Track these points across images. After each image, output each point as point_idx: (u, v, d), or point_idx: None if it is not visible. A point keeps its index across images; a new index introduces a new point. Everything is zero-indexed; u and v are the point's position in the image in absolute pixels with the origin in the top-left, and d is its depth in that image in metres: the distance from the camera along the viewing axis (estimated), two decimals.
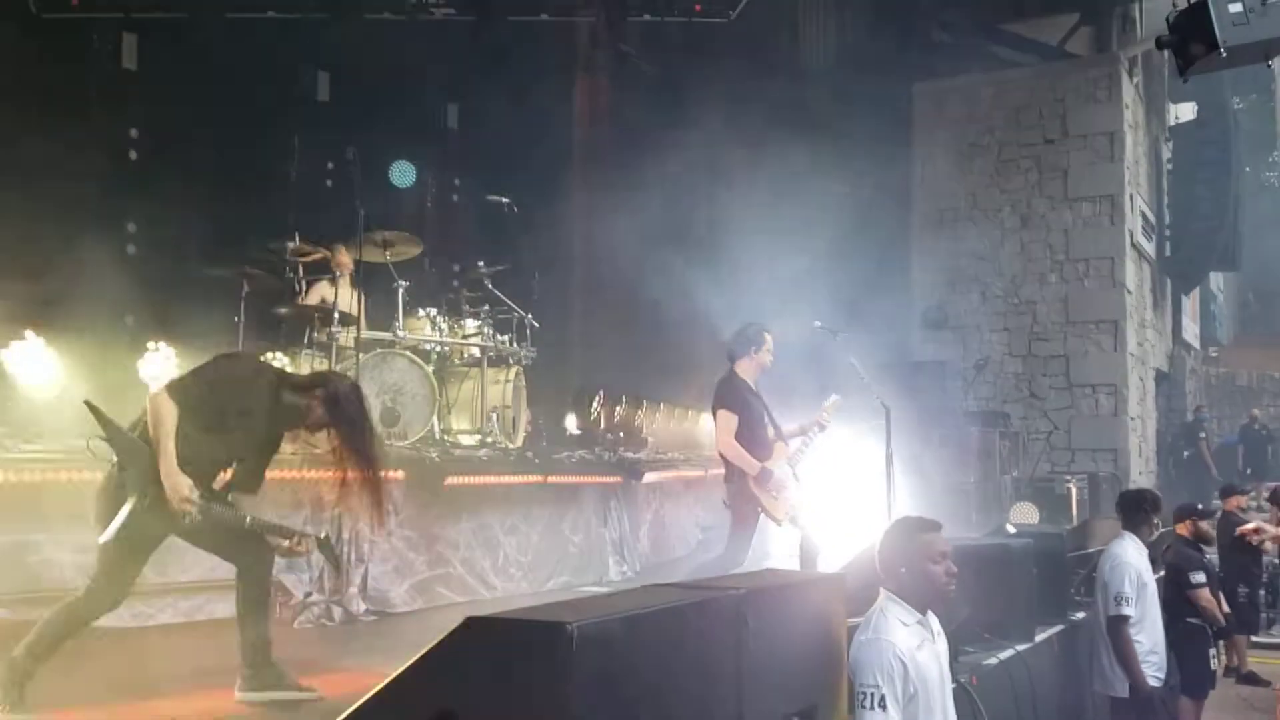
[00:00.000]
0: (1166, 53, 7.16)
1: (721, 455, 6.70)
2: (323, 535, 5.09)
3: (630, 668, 2.55)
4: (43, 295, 8.40)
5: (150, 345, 7.24)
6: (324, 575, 6.99)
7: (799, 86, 15.39)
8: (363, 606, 7.11)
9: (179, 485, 4.63)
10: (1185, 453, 18.01)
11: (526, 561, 8.52)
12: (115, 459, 4.69)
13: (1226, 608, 7.90)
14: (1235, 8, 7.34)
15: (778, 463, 6.67)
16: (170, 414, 4.59)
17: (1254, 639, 9.68)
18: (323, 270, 8.77)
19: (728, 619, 3.04)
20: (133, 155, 10.55)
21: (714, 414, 6.74)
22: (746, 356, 6.80)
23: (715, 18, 10.63)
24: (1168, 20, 7.33)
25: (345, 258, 8.66)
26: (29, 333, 6.83)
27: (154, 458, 4.60)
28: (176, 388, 4.67)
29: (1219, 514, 9.24)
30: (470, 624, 2.46)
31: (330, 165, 11.57)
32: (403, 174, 10.78)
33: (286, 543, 4.91)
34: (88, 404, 4.59)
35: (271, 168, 9.92)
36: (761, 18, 11.70)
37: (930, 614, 3.82)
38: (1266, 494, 10.89)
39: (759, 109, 14.41)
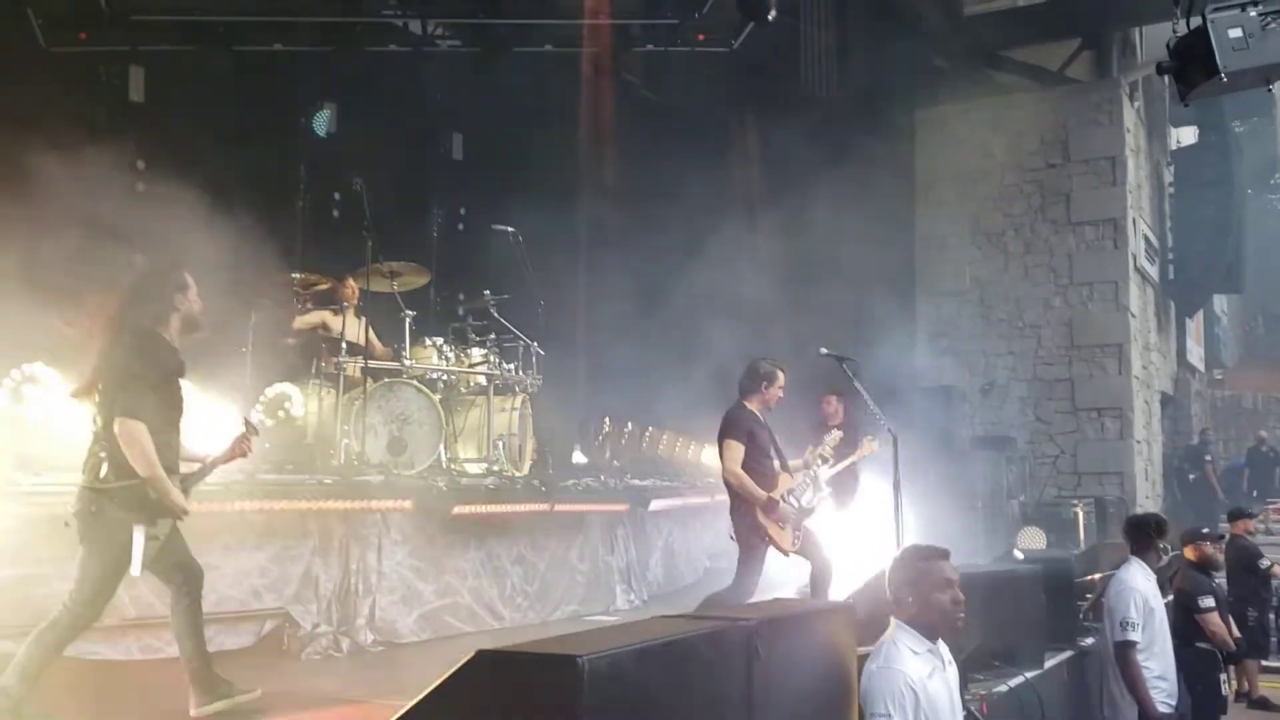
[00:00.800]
0: (1167, 77, 7.20)
1: (727, 485, 6.71)
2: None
3: (641, 700, 2.55)
4: (50, 326, 8.43)
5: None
6: (331, 607, 6.98)
7: (801, 114, 15.46)
8: (370, 637, 7.10)
9: (179, 501, 4.74)
10: (1191, 476, 17.97)
11: (534, 591, 8.51)
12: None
13: (1236, 632, 7.87)
14: (1235, 33, 7.39)
15: (782, 493, 6.68)
16: (145, 434, 4.60)
17: (1265, 663, 9.64)
18: (329, 301, 8.82)
19: (738, 650, 3.05)
20: (139, 186, 10.59)
21: (720, 443, 6.76)
22: (757, 392, 6.84)
23: (718, 47, 10.69)
24: (1168, 46, 7.37)
25: (351, 288, 8.70)
26: (38, 364, 6.85)
27: (142, 486, 4.61)
28: (132, 406, 4.60)
29: (1226, 537, 9.22)
30: (480, 657, 2.46)
31: (337, 196, 11.63)
32: (322, 121, 10.52)
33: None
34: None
35: (278, 199, 9.97)
36: (763, 46, 11.76)
37: (941, 642, 3.82)
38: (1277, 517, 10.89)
39: (761, 136, 14.50)
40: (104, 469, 4.62)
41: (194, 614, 5.01)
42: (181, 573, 5.00)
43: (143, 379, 4.71)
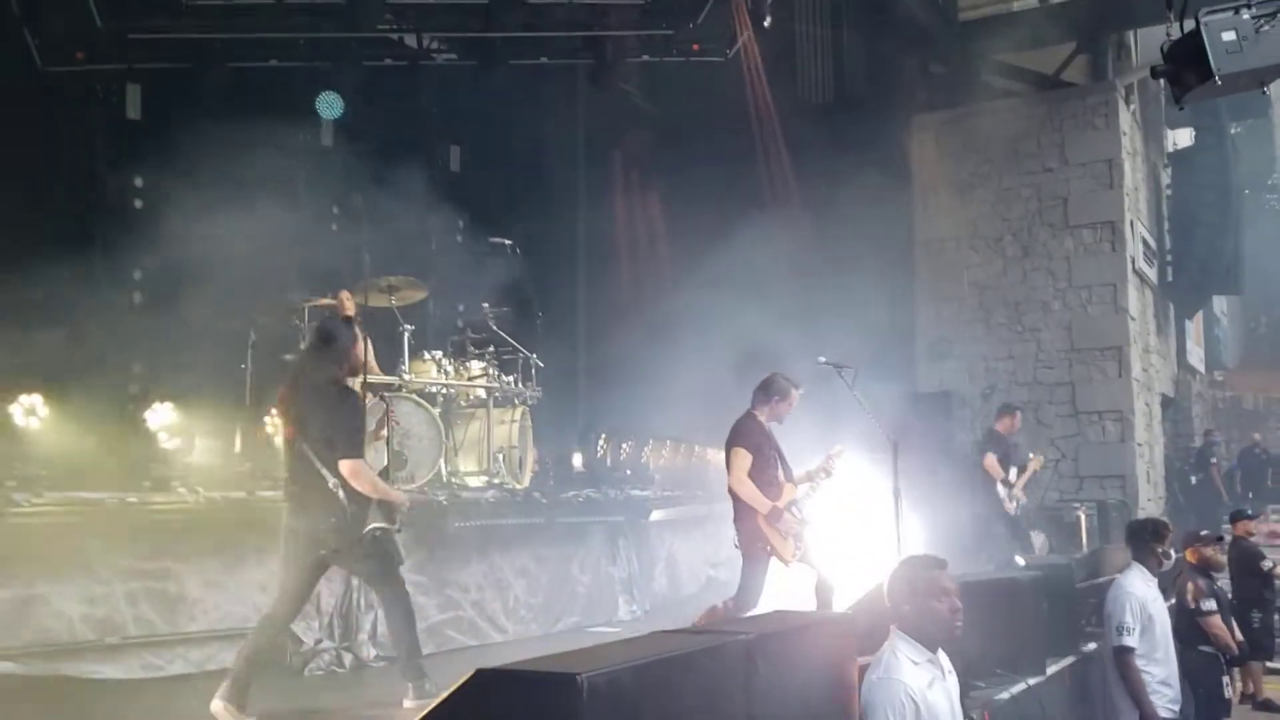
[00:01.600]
0: (1162, 80, 7.22)
1: (733, 494, 6.74)
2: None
3: (641, 717, 2.55)
4: (49, 346, 8.44)
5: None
6: (334, 622, 6.99)
7: (798, 121, 15.50)
8: (373, 652, 7.10)
9: (400, 497, 5.84)
10: (1193, 478, 17.94)
11: (537, 603, 8.52)
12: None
13: (1239, 634, 7.86)
14: (1229, 36, 7.40)
15: (786, 503, 6.70)
16: (367, 467, 5.53)
17: (1269, 665, 9.61)
18: None
19: (737, 664, 3.06)
20: (138, 204, 10.62)
21: (728, 452, 6.81)
22: (768, 405, 6.90)
23: (713, 56, 10.70)
24: (1162, 49, 7.38)
25: (349, 304, 8.70)
26: (37, 384, 6.86)
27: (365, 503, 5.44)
28: (353, 448, 5.45)
29: (1227, 539, 9.21)
30: (480, 675, 2.47)
31: (335, 210, 11.65)
32: (329, 106, 10.50)
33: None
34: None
35: (276, 214, 9.97)
36: (759, 55, 11.79)
37: (940, 651, 3.83)
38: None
39: (758, 144, 14.51)
40: (341, 494, 5.37)
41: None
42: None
43: (358, 427, 5.57)
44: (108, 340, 8.75)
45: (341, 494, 5.34)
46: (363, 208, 8.96)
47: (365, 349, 8.52)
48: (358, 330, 8.42)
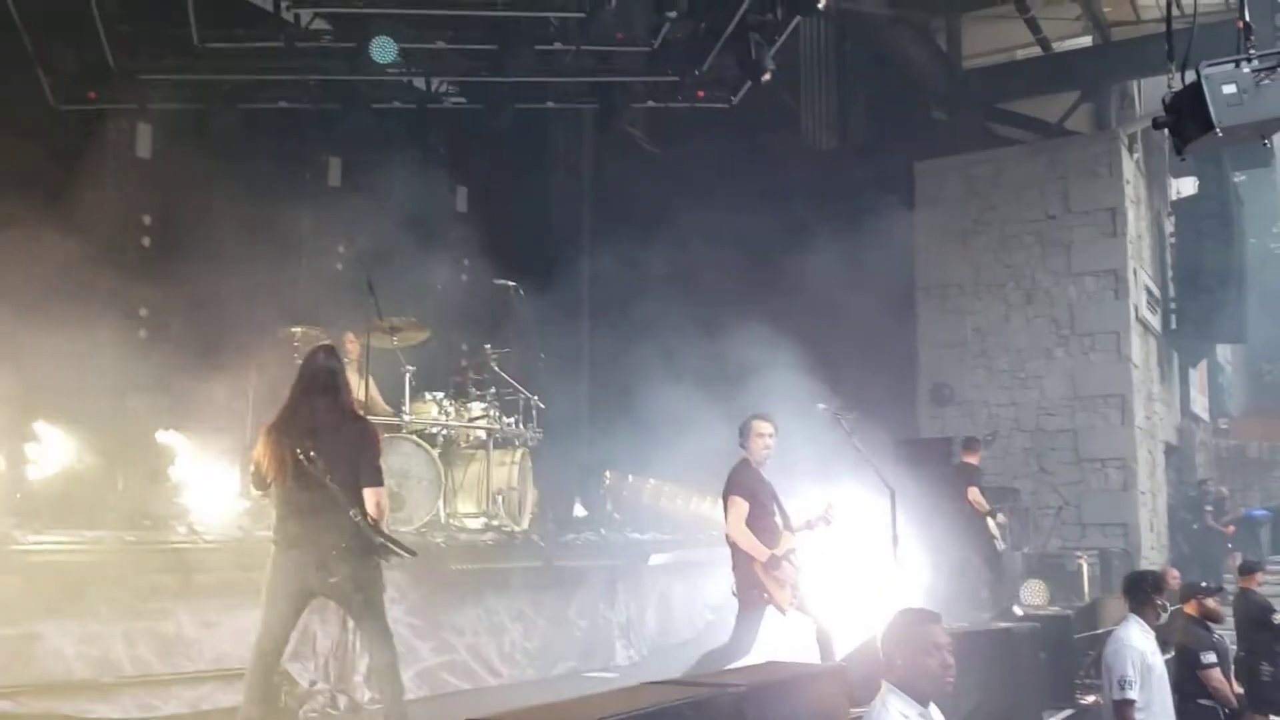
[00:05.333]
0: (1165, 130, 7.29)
1: (730, 541, 6.75)
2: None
3: None
4: (53, 381, 8.48)
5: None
6: (329, 664, 6.97)
7: (801, 166, 15.61)
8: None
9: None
10: (1195, 525, 17.86)
11: (533, 648, 8.48)
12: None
13: (1238, 687, 7.81)
14: (1229, 89, 7.47)
15: (784, 551, 6.70)
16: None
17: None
18: None
19: (728, 716, 3.06)
20: (145, 242, 10.71)
21: (724, 500, 6.82)
22: (747, 448, 6.94)
23: (718, 103, 10.79)
24: (1164, 101, 7.45)
25: (353, 345, 8.75)
26: (40, 422, 6.90)
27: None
28: (378, 477, 5.56)
29: (1227, 590, 9.16)
30: None
31: (341, 249, 11.73)
32: (382, 50, 10.30)
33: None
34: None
35: (282, 253, 10.05)
36: (763, 101, 11.89)
37: (933, 705, 3.82)
38: None
39: (761, 190, 14.63)
40: (361, 524, 5.39)
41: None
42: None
43: (378, 453, 5.66)
44: (111, 377, 8.79)
45: (361, 523, 5.38)
46: (368, 247, 9.03)
47: (367, 389, 8.61)
48: (357, 374, 8.52)
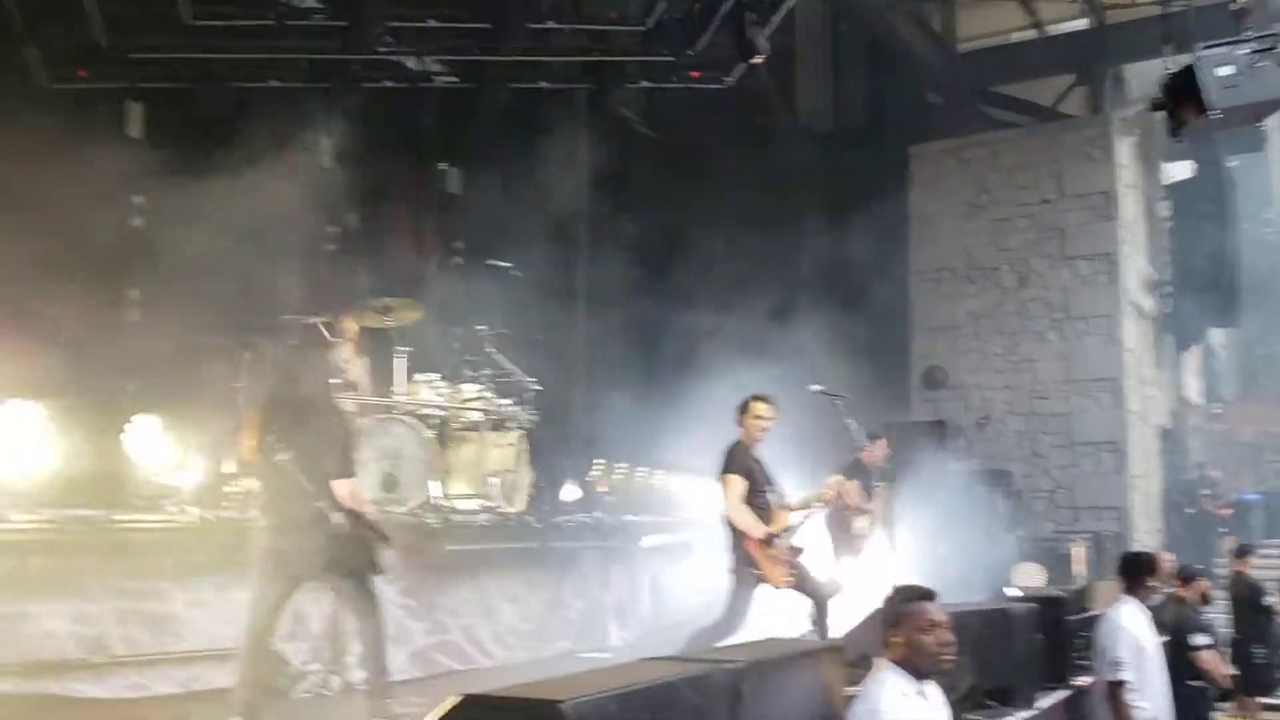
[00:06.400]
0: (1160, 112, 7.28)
1: (726, 519, 6.74)
2: None
3: None
4: (43, 362, 8.42)
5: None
6: (321, 644, 6.95)
7: (796, 150, 15.56)
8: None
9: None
10: (1188, 509, 17.89)
11: (527, 628, 8.48)
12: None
13: (1230, 669, 7.83)
14: (1225, 71, 7.45)
15: (779, 529, 6.70)
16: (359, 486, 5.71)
17: (1271, 700, 9.53)
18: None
19: (724, 692, 3.04)
20: (136, 222, 10.63)
21: (719, 480, 6.82)
22: (743, 426, 6.95)
23: (712, 84, 10.76)
24: (1161, 83, 7.43)
25: (350, 325, 8.68)
26: (30, 402, 6.84)
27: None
28: (348, 467, 5.58)
29: (1220, 573, 9.19)
30: (465, 702, 2.45)
31: (333, 230, 11.65)
32: None
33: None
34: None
35: (274, 234, 9.98)
36: (759, 83, 11.85)
37: (930, 682, 3.81)
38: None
39: (756, 172, 14.57)
40: (331, 515, 5.36)
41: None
42: None
43: (350, 444, 5.78)
44: (103, 358, 8.73)
45: (332, 515, 5.34)
46: (361, 228, 8.98)
47: (362, 370, 8.55)
48: (354, 352, 8.46)
